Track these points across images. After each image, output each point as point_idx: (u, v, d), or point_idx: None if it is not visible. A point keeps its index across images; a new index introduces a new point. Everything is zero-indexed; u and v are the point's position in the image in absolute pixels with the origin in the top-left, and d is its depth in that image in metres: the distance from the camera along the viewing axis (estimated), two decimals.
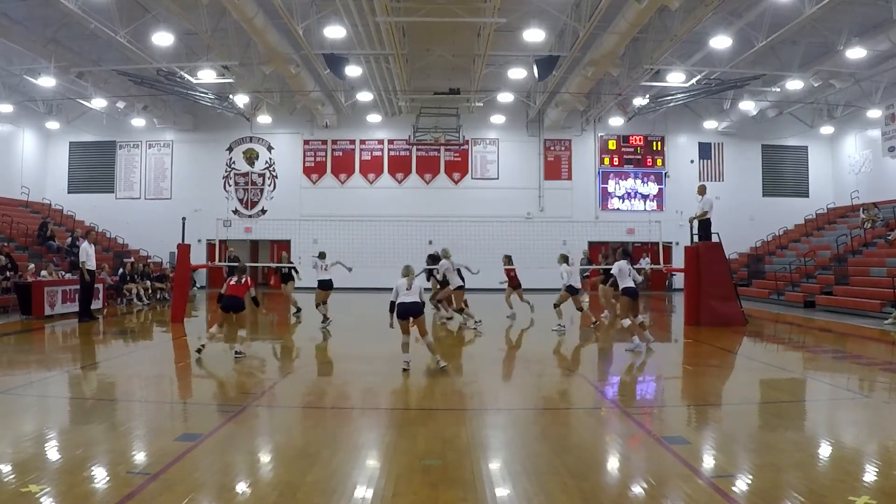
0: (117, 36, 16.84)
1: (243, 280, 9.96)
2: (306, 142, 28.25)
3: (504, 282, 15.92)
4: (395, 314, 8.90)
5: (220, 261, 20.73)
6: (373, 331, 14.25)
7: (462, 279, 14.30)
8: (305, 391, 8.42)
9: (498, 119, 27.42)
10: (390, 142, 28.25)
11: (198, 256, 21.83)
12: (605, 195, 28.26)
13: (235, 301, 9.83)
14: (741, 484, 4.63)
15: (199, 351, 9.81)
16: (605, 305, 15.99)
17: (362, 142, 28.27)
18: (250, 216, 27.74)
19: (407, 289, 8.83)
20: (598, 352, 11.96)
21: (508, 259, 15.94)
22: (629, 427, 6.37)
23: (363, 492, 4.47)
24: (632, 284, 10.96)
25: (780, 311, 18.56)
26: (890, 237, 19.54)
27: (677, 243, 22.31)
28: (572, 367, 10.32)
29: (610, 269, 13.28)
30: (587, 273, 22.32)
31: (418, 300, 8.82)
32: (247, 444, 5.70)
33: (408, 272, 9.07)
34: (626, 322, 10.83)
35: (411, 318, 8.80)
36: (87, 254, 15.10)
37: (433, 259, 15.45)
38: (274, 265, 17.15)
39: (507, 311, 15.95)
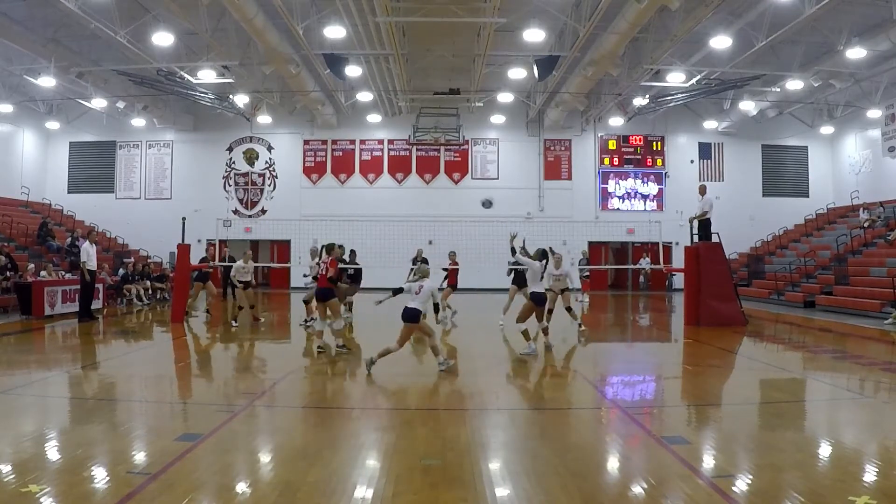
0: (117, 36, 16.85)
1: (324, 269, 10.29)
2: (306, 142, 28.27)
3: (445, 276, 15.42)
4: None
5: (219, 261, 20.72)
6: (375, 331, 14.26)
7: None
8: (305, 391, 8.42)
9: (498, 119, 27.43)
10: (390, 142, 28.26)
11: (198, 256, 21.80)
12: (605, 195, 28.27)
13: (325, 291, 10.18)
14: (741, 484, 4.63)
15: (321, 350, 10.17)
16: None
17: (362, 142, 28.28)
18: (250, 216, 27.75)
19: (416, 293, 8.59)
20: (596, 352, 11.96)
21: (454, 255, 15.66)
22: (629, 427, 6.37)
23: (363, 492, 4.47)
24: (541, 290, 10.32)
25: (780, 311, 18.57)
26: (890, 237, 19.55)
27: (677, 243, 22.32)
28: (572, 367, 10.32)
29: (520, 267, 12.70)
30: (587, 273, 22.41)
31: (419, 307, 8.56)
32: (247, 444, 5.69)
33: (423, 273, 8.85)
34: (522, 326, 10.24)
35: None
36: (88, 254, 15.13)
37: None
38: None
39: (447, 313, 15.13)
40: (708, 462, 5.27)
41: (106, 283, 18.44)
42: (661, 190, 28.23)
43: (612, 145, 28.31)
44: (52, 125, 26.61)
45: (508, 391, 8.48)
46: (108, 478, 4.69)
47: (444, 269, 15.43)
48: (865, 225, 21.56)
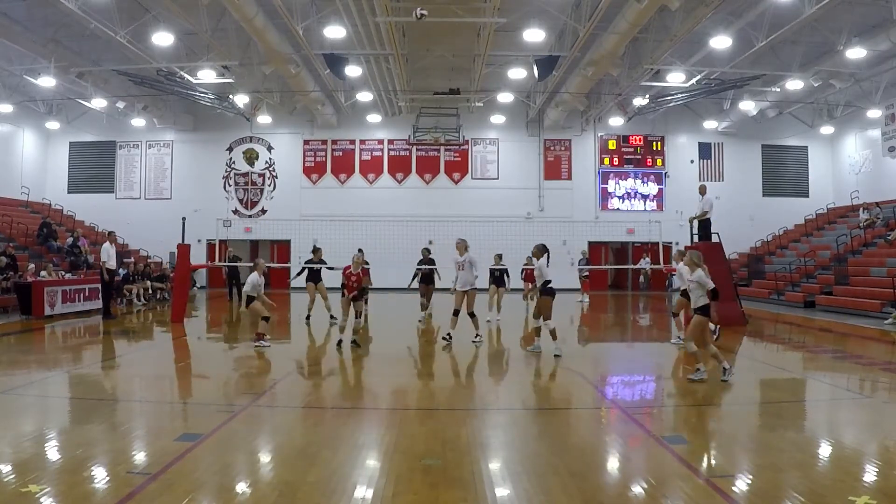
0: (117, 36, 16.84)
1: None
2: (306, 142, 28.25)
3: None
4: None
5: (219, 261, 20.79)
6: (378, 331, 14.26)
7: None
8: (305, 391, 8.42)
9: (498, 119, 27.41)
10: (390, 142, 28.24)
11: (198, 256, 21.83)
12: (605, 195, 28.26)
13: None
14: (741, 484, 4.63)
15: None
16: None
17: (362, 142, 28.26)
18: (250, 216, 27.73)
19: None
20: (596, 352, 11.95)
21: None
22: (629, 427, 6.37)
23: (363, 492, 4.47)
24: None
25: (780, 311, 18.55)
26: (890, 237, 19.54)
27: (677, 243, 22.27)
28: (572, 367, 10.31)
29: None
30: (586, 273, 22.42)
31: None
32: (247, 444, 5.70)
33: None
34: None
35: None
36: (109, 254, 15.54)
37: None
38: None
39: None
40: (708, 462, 5.27)
41: None
42: (661, 190, 28.21)
43: (612, 145, 28.28)
44: (52, 125, 26.59)
45: (508, 391, 8.48)
46: (108, 478, 4.69)
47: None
48: (864, 225, 21.55)
